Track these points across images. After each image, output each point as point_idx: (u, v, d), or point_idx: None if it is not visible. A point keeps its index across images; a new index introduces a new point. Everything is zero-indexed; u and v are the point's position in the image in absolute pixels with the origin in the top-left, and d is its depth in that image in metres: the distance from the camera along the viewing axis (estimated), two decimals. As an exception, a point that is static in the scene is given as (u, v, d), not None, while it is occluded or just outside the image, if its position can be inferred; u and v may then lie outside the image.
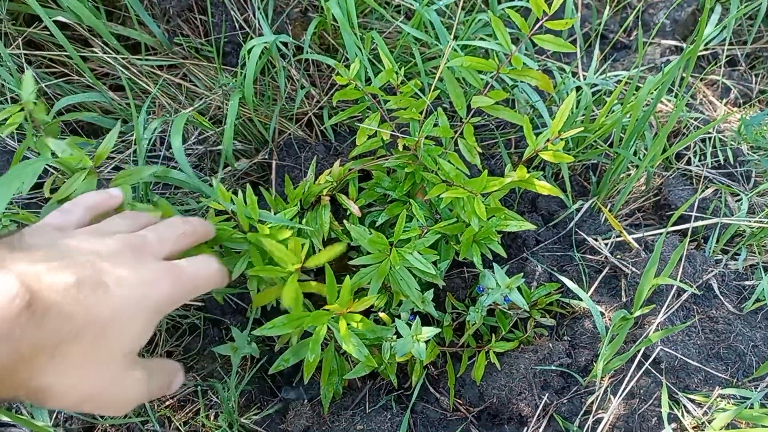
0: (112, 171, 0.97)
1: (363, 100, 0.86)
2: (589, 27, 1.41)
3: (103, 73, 1.02)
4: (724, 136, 1.19)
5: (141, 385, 0.46)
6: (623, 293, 0.94)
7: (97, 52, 0.96)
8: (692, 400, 0.84)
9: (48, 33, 0.93)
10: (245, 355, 0.88)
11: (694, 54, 0.85)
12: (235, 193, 0.73)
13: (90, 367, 0.41)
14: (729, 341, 0.88)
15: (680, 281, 0.90)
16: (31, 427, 0.76)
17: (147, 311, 0.45)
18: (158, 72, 1.01)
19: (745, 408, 0.76)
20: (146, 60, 1.00)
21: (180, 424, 0.83)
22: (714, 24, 1.26)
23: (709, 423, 0.79)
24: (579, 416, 0.84)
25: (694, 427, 0.81)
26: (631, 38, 1.43)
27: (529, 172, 0.78)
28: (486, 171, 0.76)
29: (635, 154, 1.09)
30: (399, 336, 0.76)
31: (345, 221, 0.85)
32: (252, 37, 1.01)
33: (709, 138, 1.18)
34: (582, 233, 1.01)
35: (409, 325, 0.75)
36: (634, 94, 0.98)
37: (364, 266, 0.78)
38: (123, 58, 0.97)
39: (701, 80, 1.34)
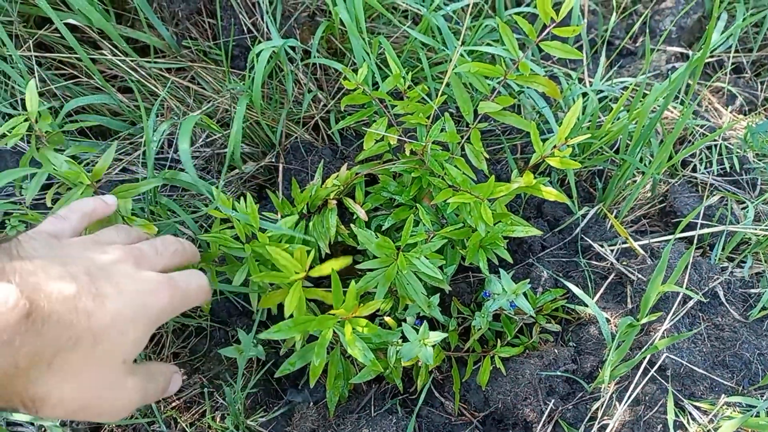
0: (119, 173, 0.97)
1: (370, 105, 0.86)
2: (595, 33, 1.41)
3: (111, 75, 1.03)
4: (729, 143, 1.19)
5: (137, 392, 0.47)
6: (629, 300, 0.94)
7: (106, 55, 0.96)
8: (698, 408, 0.83)
9: (58, 35, 0.94)
10: (251, 358, 0.88)
11: (701, 62, 0.85)
12: (242, 195, 0.73)
13: (87, 375, 0.42)
14: (735, 349, 0.87)
15: (686, 288, 0.90)
16: (39, 427, 0.77)
17: (146, 319, 0.46)
18: (166, 75, 1.01)
19: (751, 416, 0.76)
20: (155, 62, 1.01)
21: (186, 426, 0.83)
22: (720, 31, 1.27)
23: (715, 431, 0.79)
24: (584, 422, 0.84)
25: (699, 435, 0.81)
26: (637, 45, 1.43)
27: (535, 177, 0.78)
28: (493, 176, 0.76)
29: (641, 160, 1.09)
30: (405, 340, 0.76)
31: (351, 225, 0.85)
32: (260, 41, 1.02)
33: (715, 145, 1.18)
34: (588, 239, 1.01)
35: (416, 330, 0.75)
36: (640, 101, 0.98)
37: (370, 270, 0.78)
38: (132, 61, 0.97)
39: (707, 87, 1.34)
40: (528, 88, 0.99)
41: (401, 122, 0.85)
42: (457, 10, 1.11)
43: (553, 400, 0.84)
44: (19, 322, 0.36)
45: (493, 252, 0.84)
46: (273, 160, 1.03)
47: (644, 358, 0.83)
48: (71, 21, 0.91)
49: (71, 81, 0.98)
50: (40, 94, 0.93)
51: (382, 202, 0.91)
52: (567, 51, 0.76)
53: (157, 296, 0.47)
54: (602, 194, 1.08)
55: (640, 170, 1.07)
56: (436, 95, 0.83)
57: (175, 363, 0.91)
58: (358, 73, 0.83)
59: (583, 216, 1.03)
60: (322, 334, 0.68)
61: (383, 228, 0.88)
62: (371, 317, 0.73)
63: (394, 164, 0.86)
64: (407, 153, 0.84)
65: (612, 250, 0.99)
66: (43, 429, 0.79)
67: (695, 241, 0.94)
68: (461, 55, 0.90)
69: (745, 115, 1.32)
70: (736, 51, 1.37)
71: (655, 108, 1.05)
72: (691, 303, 0.90)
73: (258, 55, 0.91)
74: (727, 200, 1.07)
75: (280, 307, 0.83)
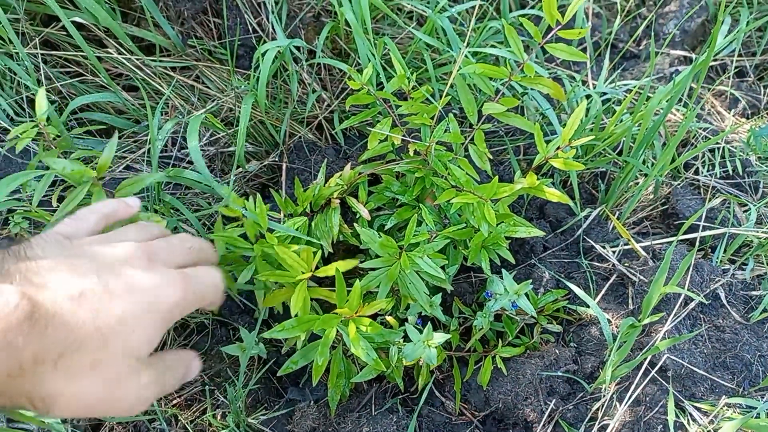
0: (123, 171, 0.98)
1: (375, 105, 0.87)
2: (599, 36, 1.42)
3: (117, 74, 1.03)
4: (732, 146, 1.19)
5: (153, 386, 0.46)
6: (630, 301, 0.94)
7: (112, 53, 0.97)
8: (698, 409, 0.84)
9: (64, 33, 0.95)
10: (252, 356, 0.88)
11: (705, 65, 0.85)
12: (245, 194, 0.74)
13: (98, 374, 0.41)
14: (736, 350, 0.88)
15: (688, 290, 0.90)
16: (40, 425, 0.77)
17: (157, 315, 0.45)
18: (171, 73, 1.02)
19: (752, 417, 0.76)
20: (160, 61, 1.01)
21: (187, 423, 0.83)
22: (723, 35, 1.27)
23: (715, 432, 0.80)
24: (584, 423, 0.84)
25: (699, 437, 0.81)
26: (641, 48, 1.43)
27: (538, 179, 0.78)
28: (496, 177, 0.77)
29: (644, 163, 1.09)
30: (407, 339, 0.76)
31: (354, 224, 0.85)
32: (265, 41, 1.03)
33: (718, 148, 1.19)
34: (590, 240, 1.01)
35: (419, 330, 0.76)
36: (644, 104, 0.99)
37: (373, 269, 0.78)
38: (137, 59, 0.98)
39: (710, 90, 1.34)
40: (532, 89, 1.00)
41: (405, 122, 0.86)
42: (462, 11, 1.12)
43: (553, 400, 0.84)
44: (21, 324, 0.36)
45: (495, 252, 0.84)
46: (276, 159, 1.03)
47: (645, 358, 0.83)
48: (78, 19, 0.92)
49: (77, 79, 0.99)
50: (45, 91, 0.94)
51: (385, 202, 0.91)
52: (572, 53, 0.76)
53: (169, 291, 0.46)
54: (605, 196, 1.08)
55: (642, 172, 1.07)
56: (441, 96, 0.83)
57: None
58: (363, 73, 0.83)
59: (586, 217, 1.04)
60: (325, 333, 0.68)
61: (386, 227, 0.88)
62: (372, 316, 0.73)
63: (397, 164, 0.86)
64: (411, 153, 0.84)
65: (614, 252, 1.00)
66: (45, 428, 0.79)
67: (697, 243, 0.94)
68: (466, 56, 0.90)
69: (747, 118, 1.32)
70: (740, 55, 1.38)
71: (658, 111, 1.06)
72: (692, 304, 0.91)
73: (263, 54, 0.92)
74: (729, 203, 1.08)
75: (283, 305, 0.84)
